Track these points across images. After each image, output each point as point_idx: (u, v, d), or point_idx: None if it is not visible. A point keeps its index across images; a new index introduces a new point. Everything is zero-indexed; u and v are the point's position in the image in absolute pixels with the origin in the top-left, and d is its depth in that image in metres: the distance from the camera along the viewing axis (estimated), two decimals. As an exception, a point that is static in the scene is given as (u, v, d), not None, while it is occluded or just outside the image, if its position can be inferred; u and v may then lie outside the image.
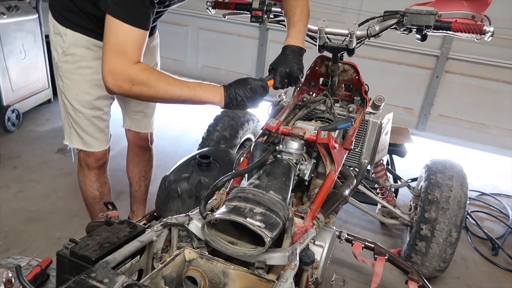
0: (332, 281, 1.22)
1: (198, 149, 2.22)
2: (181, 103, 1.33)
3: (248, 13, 1.70)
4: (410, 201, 2.41)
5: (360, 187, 2.16)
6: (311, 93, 1.80)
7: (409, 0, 1.51)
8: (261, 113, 2.32)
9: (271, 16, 1.71)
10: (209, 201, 1.11)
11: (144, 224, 1.37)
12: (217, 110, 2.38)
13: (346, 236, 1.59)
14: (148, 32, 1.30)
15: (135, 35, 1.25)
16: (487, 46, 2.93)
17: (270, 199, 1.00)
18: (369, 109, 1.79)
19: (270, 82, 1.39)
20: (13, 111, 3.31)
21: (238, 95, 1.32)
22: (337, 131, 1.53)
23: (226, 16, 1.85)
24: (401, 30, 1.54)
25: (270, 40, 3.80)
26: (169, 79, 1.29)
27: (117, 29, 1.23)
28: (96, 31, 1.51)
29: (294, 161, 1.24)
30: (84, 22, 1.53)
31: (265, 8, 1.65)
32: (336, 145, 1.30)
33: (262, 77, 1.39)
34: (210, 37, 4.05)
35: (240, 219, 0.90)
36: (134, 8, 1.23)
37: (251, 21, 1.69)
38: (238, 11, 1.75)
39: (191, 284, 0.94)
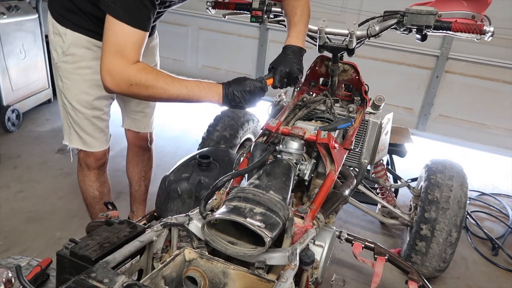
0: (332, 281, 1.22)
1: (198, 149, 2.22)
2: (179, 102, 1.33)
3: (248, 13, 1.70)
4: (410, 201, 2.41)
5: (360, 187, 2.16)
6: (311, 93, 1.80)
7: (409, 0, 1.51)
8: (261, 113, 2.33)
9: (271, 16, 1.71)
10: (209, 201, 1.11)
11: (144, 224, 1.37)
12: (217, 110, 2.39)
13: (346, 236, 1.59)
14: (148, 33, 1.30)
15: (135, 36, 1.25)
16: (487, 46, 2.93)
17: (270, 199, 1.00)
18: (369, 109, 1.79)
19: (270, 81, 1.39)
20: (13, 111, 3.31)
21: (236, 96, 1.32)
22: (337, 131, 1.53)
23: (226, 16, 1.85)
24: (401, 30, 1.54)
25: (270, 40, 3.80)
26: (167, 79, 1.29)
27: (117, 29, 1.23)
28: (96, 31, 1.51)
29: (294, 161, 1.24)
30: (84, 22, 1.52)
31: (265, 8, 1.65)
32: (336, 145, 1.30)
33: (262, 73, 1.39)
34: (210, 37, 4.05)
35: (240, 219, 0.90)
36: (135, 9, 1.23)
37: (251, 21, 1.69)
38: (238, 11, 1.75)
39: (191, 284, 0.94)
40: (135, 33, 1.25)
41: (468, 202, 2.01)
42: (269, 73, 1.42)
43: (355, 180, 1.45)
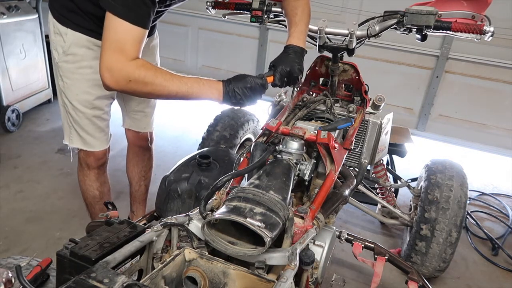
0: (332, 281, 1.22)
1: (198, 149, 2.22)
2: (178, 99, 1.33)
3: (248, 13, 1.70)
4: (410, 201, 2.41)
5: (360, 187, 2.16)
6: (311, 93, 1.80)
7: (409, 0, 1.51)
8: (261, 113, 2.32)
9: (271, 16, 1.71)
10: (209, 201, 1.11)
11: (144, 224, 1.37)
12: (217, 110, 2.39)
13: (346, 236, 1.59)
14: (147, 30, 1.30)
15: (134, 33, 1.25)
16: (487, 46, 2.93)
17: (270, 199, 1.00)
18: (369, 109, 1.79)
19: (270, 79, 1.39)
20: (13, 111, 3.30)
21: (237, 93, 1.32)
22: (337, 131, 1.53)
23: (226, 16, 1.85)
24: (401, 30, 1.54)
25: (270, 40, 3.80)
26: (166, 75, 1.29)
27: (116, 26, 1.22)
28: (96, 30, 1.50)
29: (294, 161, 1.24)
30: (85, 22, 1.53)
31: (265, 8, 1.66)
32: (336, 145, 1.30)
33: (262, 73, 1.40)
34: (210, 37, 4.05)
35: (240, 219, 0.90)
36: (135, 6, 1.23)
37: (251, 21, 1.69)
38: (238, 11, 1.75)
39: (191, 284, 0.94)
40: (134, 30, 1.24)
41: (468, 202, 2.01)
42: (270, 70, 1.42)
43: (355, 180, 1.45)
